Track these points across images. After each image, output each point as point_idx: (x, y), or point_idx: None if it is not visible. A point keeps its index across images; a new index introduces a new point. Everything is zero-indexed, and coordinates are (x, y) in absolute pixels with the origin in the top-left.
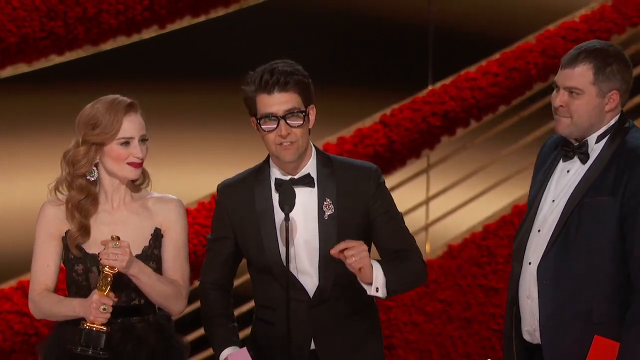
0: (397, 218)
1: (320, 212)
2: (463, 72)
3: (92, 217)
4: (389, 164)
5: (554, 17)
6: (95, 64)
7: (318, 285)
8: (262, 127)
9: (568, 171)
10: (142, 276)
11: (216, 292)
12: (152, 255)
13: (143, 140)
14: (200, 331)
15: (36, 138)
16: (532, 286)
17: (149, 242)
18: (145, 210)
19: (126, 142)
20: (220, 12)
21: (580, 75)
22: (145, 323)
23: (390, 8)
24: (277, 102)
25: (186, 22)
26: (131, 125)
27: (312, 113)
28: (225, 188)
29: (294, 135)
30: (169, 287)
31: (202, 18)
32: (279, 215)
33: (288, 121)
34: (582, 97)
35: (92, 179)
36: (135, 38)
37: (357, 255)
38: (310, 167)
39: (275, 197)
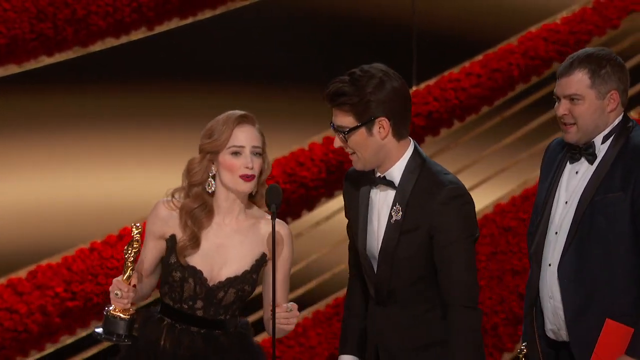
0: (451, 245)
1: (390, 215)
2: (446, 73)
3: (204, 230)
4: None
5: (536, 19)
6: (84, 65)
7: (374, 285)
8: None
9: (577, 172)
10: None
11: (355, 282)
12: (249, 279)
13: (257, 153)
14: None
15: (26, 138)
16: (554, 286)
17: (250, 267)
18: (256, 233)
19: (237, 152)
20: (208, 14)
21: (577, 81)
22: (226, 337)
23: (374, 10)
24: (333, 114)
25: (174, 23)
26: (242, 135)
27: (383, 125)
28: (347, 175)
29: (349, 148)
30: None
31: (189, 20)
32: (373, 209)
33: (339, 134)
34: (583, 102)
35: (210, 190)
36: (123, 39)
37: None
38: (395, 170)
39: (375, 192)
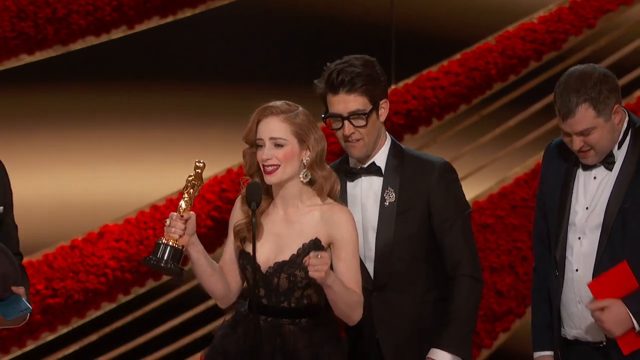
0: (454, 220)
1: (382, 199)
2: (425, 72)
3: (262, 215)
4: None
5: (513, 18)
6: (65, 64)
7: (374, 272)
8: (331, 125)
9: (595, 178)
10: (336, 286)
11: None
12: (301, 263)
13: (277, 144)
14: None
15: (5, 136)
16: (584, 292)
17: (298, 251)
18: (311, 219)
19: (260, 145)
20: (188, 12)
21: (583, 118)
22: (295, 326)
23: (354, 9)
24: (342, 102)
25: (154, 22)
26: (261, 128)
27: (384, 107)
28: None
29: (358, 134)
30: (354, 296)
31: (169, 18)
32: (355, 202)
33: (352, 121)
34: (595, 131)
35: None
36: (104, 38)
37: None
38: (379, 157)
39: (354, 185)
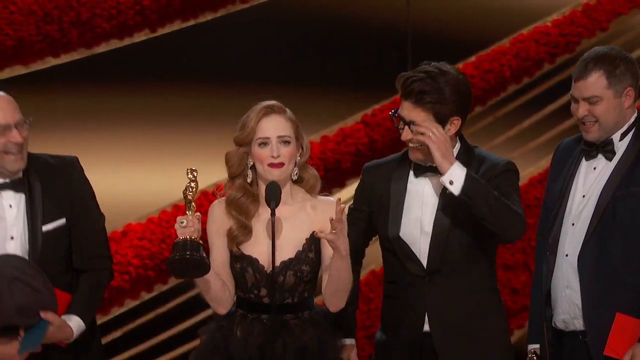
0: (508, 195)
1: (445, 188)
2: None
3: (253, 217)
4: None
5: (527, 21)
6: (89, 66)
7: (427, 261)
8: (397, 122)
9: (595, 168)
10: (348, 257)
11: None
12: (306, 258)
13: (284, 142)
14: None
15: (31, 137)
16: (572, 276)
17: (303, 247)
18: (304, 213)
19: (264, 143)
20: (209, 16)
21: (594, 83)
22: (298, 320)
23: (371, 12)
24: (407, 109)
25: (176, 26)
26: (267, 126)
27: (455, 124)
28: (368, 167)
29: (417, 141)
30: (350, 278)
31: (191, 22)
32: (410, 196)
33: (412, 128)
34: (601, 102)
35: (248, 180)
36: (127, 41)
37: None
38: None
39: (417, 181)
